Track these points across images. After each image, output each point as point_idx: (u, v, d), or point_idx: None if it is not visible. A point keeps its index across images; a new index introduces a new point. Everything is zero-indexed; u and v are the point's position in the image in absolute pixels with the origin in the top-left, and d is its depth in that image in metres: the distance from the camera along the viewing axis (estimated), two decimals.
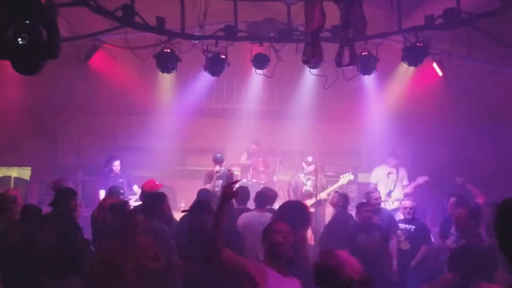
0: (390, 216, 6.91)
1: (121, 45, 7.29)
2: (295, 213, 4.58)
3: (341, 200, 6.63)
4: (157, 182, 6.44)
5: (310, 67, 6.37)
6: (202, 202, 5.02)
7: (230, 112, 10.58)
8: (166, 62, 6.91)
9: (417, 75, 8.63)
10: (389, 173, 8.22)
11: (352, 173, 8.46)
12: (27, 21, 3.63)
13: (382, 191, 7.69)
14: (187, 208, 5.20)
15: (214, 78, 7.70)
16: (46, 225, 4.68)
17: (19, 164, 9.75)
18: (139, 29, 6.33)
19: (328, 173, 8.81)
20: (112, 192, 6.56)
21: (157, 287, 4.09)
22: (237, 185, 8.20)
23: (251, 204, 6.14)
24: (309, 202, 7.95)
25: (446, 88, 9.09)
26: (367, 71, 6.98)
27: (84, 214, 6.18)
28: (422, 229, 6.53)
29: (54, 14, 3.84)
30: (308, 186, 8.18)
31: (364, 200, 6.66)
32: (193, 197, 6.10)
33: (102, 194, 7.35)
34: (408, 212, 6.57)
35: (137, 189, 7.89)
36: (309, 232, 7.86)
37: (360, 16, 5.09)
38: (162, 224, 4.92)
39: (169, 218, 5.39)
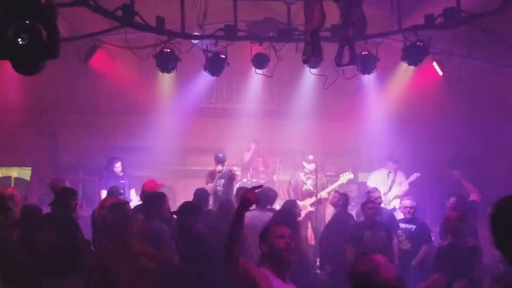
0: (390, 216, 6.92)
1: (121, 45, 7.30)
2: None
3: (341, 200, 6.64)
4: (157, 182, 6.44)
5: (310, 67, 6.38)
6: (190, 203, 4.97)
7: (230, 112, 10.59)
8: (166, 62, 6.91)
9: (417, 74, 8.64)
10: (389, 172, 8.22)
11: (352, 172, 8.45)
12: (27, 21, 3.63)
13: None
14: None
15: (214, 77, 7.70)
16: (46, 225, 4.67)
17: (20, 164, 9.75)
18: (139, 29, 6.33)
19: (328, 173, 8.81)
20: (112, 192, 6.56)
21: None
22: (237, 185, 8.26)
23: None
24: (309, 201, 7.97)
25: (446, 87, 9.10)
26: (367, 71, 6.98)
27: (85, 214, 6.18)
28: (423, 228, 6.53)
29: (54, 14, 3.84)
30: (308, 185, 8.18)
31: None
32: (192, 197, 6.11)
33: (103, 194, 7.35)
34: (408, 211, 6.58)
35: (134, 195, 7.88)
36: (309, 232, 7.90)
37: (360, 16, 5.09)
38: (162, 224, 4.92)
39: (169, 218, 5.38)
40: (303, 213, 7.51)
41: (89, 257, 4.45)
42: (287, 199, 7.59)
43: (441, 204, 7.45)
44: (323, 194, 7.95)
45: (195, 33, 6.84)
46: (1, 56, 3.69)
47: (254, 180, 8.91)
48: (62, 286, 4.33)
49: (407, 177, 8.13)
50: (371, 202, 6.29)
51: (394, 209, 7.66)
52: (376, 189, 7.13)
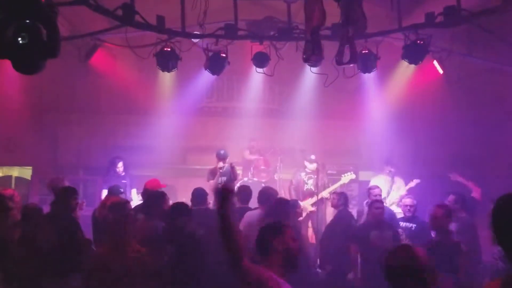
0: (391, 214, 6.91)
1: (121, 44, 7.29)
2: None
3: (342, 200, 6.64)
4: (161, 182, 6.45)
5: (310, 66, 6.36)
6: (181, 203, 4.91)
7: (230, 111, 10.59)
8: (167, 61, 6.90)
9: (418, 73, 8.63)
10: (390, 171, 8.22)
11: (354, 172, 8.45)
12: (27, 21, 3.63)
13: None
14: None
15: (215, 76, 7.69)
16: (47, 225, 4.68)
17: (20, 163, 9.75)
18: (139, 28, 6.33)
19: (329, 171, 8.81)
20: (112, 191, 6.56)
21: None
22: (238, 184, 8.25)
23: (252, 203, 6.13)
24: (310, 201, 7.96)
25: (447, 86, 9.09)
26: (367, 69, 6.98)
27: (85, 214, 6.18)
28: (423, 227, 6.51)
29: (54, 14, 3.84)
30: (309, 185, 8.17)
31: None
32: None
33: (104, 194, 7.35)
34: (409, 210, 6.57)
35: (135, 194, 7.88)
36: (310, 232, 7.90)
37: (360, 14, 5.08)
38: (162, 223, 4.92)
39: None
40: (304, 213, 7.51)
41: (89, 257, 4.45)
42: (289, 198, 7.56)
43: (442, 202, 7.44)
44: (325, 194, 7.94)
45: (195, 32, 6.83)
46: (1, 55, 3.69)
47: (255, 179, 8.91)
48: (62, 285, 4.33)
49: (406, 181, 8.12)
50: (378, 201, 6.29)
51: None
52: (376, 186, 7.13)
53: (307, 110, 9.80)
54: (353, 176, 8.34)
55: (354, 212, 7.48)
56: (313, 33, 5.32)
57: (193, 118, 10.04)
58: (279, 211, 5.22)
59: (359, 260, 6.01)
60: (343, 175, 8.30)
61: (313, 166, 8.12)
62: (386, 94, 9.57)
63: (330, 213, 7.85)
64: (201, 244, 4.39)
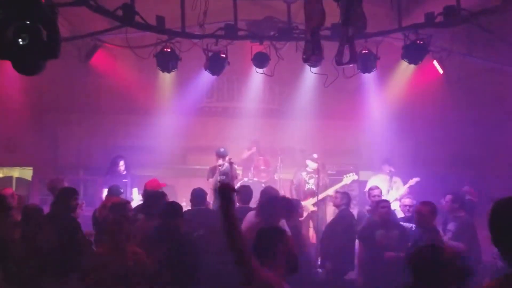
0: (392, 214, 6.91)
1: (121, 44, 7.30)
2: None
3: (344, 199, 6.63)
4: (160, 182, 6.45)
5: (310, 66, 6.37)
6: (173, 204, 4.83)
7: (230, 111, 10.60)
8: (167, 61, 6.91)
9: (418, 73, 8.63)
10: (390, 170, 8.23)
11: (355, 173, 8.43)
12: (27, 21, 3.64)
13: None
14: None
15: (215, 77, 7.70)
16: (47, 225, 4.68)
17: (21, 164, 9.76)
18: (139, 29, 6.34)
19: (328, 172, 8.80)
20: (112, 192, 6.57)
21: None
22: (238, 184, 8.24)
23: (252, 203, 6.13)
24: (311, 201, 7.95)
25: (447, 86, 9.10)
26: (367, 69, 6.98)
27: (85, 214, 6.18)
28: None
29: (55, 14, 3.85)
30: (310, 184, 8.13)
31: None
32: None
33: (105, 193, 7.35)
34: (408, 210, 6.57)
35: (136, 194, 7.88)
36: (311, 231, 7.90)
37: (360, 14, 5.08)
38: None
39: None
40: (305, 213, 7.50)
41: (89, 257, 4.45)
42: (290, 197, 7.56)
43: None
44: (330, 192, 7.88)
45: (195, 32, 6.83)
46: (2, 56, 3.70)
47: (255, 179, 8.91)
48: (62, 285, 4.34)
49: (404, 181, 8.12)
50: (384, 201, 6.31)
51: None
52: (376, 186, 7.13)
53: (307, 110, 9.80)
54: (355, 177, 8.32)
55: (354, 212, 7.47)
56: (313, 33, 5.32)
57: (193, 118, 10.05)
58: (270, 210, 5.21)
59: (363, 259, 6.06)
60: (345, 176, 8.28)
61: (314, 165, 8.08)
62: (386, 94, 9.57)
63: (330, 212, 7.86)
64: (195, 245, 4.35)
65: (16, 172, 9.85)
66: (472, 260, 5.54)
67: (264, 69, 7.37)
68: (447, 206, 6.32)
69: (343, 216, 6.55)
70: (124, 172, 8.06)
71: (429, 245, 2.86)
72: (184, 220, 4.76)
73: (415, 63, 6.91)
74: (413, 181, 7.97)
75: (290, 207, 5.56)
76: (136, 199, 7.72)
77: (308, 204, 7.88)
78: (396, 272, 4.94)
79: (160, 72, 7.24)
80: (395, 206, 7.55)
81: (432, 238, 5.11)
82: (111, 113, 10.05)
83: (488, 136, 8.85)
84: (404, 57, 6.80)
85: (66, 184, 6.26)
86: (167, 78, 8.99)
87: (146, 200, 6.04)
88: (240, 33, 6.99)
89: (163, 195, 5.75)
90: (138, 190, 7.83)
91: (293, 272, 2.99)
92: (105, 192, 7.41)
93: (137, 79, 9.44)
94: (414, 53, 6.69)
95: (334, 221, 6.71)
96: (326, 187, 8.02)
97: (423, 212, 5.34)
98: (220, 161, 7.78)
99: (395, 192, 7.97)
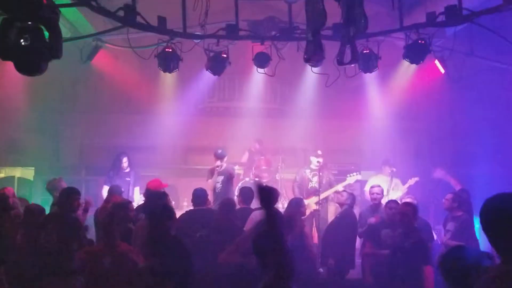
0: None
1: (123, 45, 7.31)
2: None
3: (349, 199, 6.64)
4: (162, 182, 6.45)
5: (312, 66, 6.36)
6: (163, 207, 4.70)
7: (232, 111, 10.61)
8: (168, 62, 6.91)
9: (419, 72, 8.62)
10: (392, 170, 8.23)
11: (358, 173, 8.40)
12: (29, 23, 3.65)
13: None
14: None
15: (216, 77, 7.70)
16: (49, 225, 4.69)
17: (22, 164, 9.78)
18: (140, 29, 6.34)
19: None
20: (112, 191, 6.59)
21: None
22: (239, 184, 8.22)
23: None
24: (314, 199, 7.91)
25: (448, 85, 9.08)
26: (368, 69, 6.97)
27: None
28: (424, 227, 6.52)
29: (56, 15, 3.86)
30: (314, 182, 8.06)
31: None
32: None
33: (105, 190, 7.35)
34: None
35: (137, 193, 7.89)
36: (313, 230, 7.89)
37: (361, 14, 5.08)
38: None
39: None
40: (308, 211, 7.48)
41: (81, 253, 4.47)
42: (292, 196, 7.56)
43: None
44: (339, 187, 7.84)
45: (196, 33, 6.84)
46: (4, 57, 3.72)
47: (256, 179, 8.91)
48: (64, 285, 4.34)
49: (404, 181, 8.13)
50: (393, 201, 6.36)
51: None
52: (377, 185, 7.14)
53: (309, 110, 9.80)
54: (359, 177, 8.28)
55: (356, 212, 7.46)
56: (314, 33, 5.32)
57: (195, 118, 10.07)
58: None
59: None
60: (349, 175, 8.25)
61: (320, 160, 8.02)
62: (387, 94, 9.57)
63: (332, 211, 7.87)
64: (185, 248, 4.28)
65: (18, 172, 9.87)
66: None
67: (265, 69, 7.37)
68: (446, 204, 6.36)
69: (345, 215, 6.56)
70: (128, 170, 8.09)
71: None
72: (181, 221, 4.74)
73: (417, 63, 6.90)
74: (412, 180, 7.99)
75: (290, 222, 5.55)
76: (137, 198, 7.74)
77: (311, 203, 7.86)
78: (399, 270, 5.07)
79: (162, 72, 7.24)
80: None
81: (416, 237, 5.23)
82: (113, 113, 10.07)
83: (490, 134, 8.83)
84: (405, 56, 6.79)
85: (64, 185, 6.26)
86: (168, 79, 9.00)
87: (147, 200, 6.05)
88: (241, 33, 6.99)
89: (164, 195, 5.76)
90: (140, 189, 7.84)
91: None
92: (105, 188, 7.42)
93: (139, 80, 9.45)
94: (416, 53, 6.67)
95: (336, 220, 6.72)
96: (330, 185, 7.99)
97: (407, 212, 5.39)
98: (218, 163, 7.79)
99: (395, 193, 7.98)
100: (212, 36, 6.85)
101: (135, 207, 6.00)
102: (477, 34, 7.01)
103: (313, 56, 5.54)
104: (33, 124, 9.36)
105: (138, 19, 6.13)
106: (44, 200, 7.86)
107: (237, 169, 9.12)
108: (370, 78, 8.78)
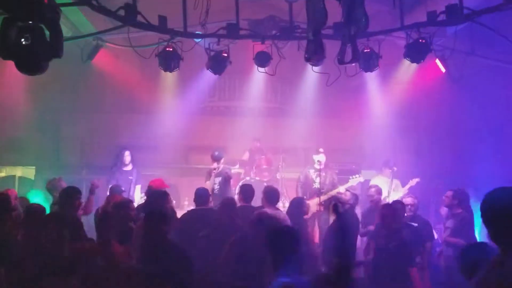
0: None
1: (123, 44, 7.31)
2: None
3: (352, 199, 6.64)
4: (165, 182, 6.46)
5: (312, 65, 6.36)
6: (159, 211, 4.57)
7: (232, 110, 10.61)
8: (169, 61, 6.91)
9: (420, 71, 8.62)
10: (393, 170, 8.24)
11: (356, 171, 8.41)
12: (30, 22, 3.65)
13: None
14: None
15: (216, 76, 7.70)
16: (50, 225, 4.69)
17: (23, 163, 9.79)
18: (141, 28, 6.34)
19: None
20: (113, 190, 6.60)
21: None
22: (240, 183, 8.22)
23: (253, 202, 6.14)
24: (317, 200, 7.89)
25: (449, 84, 9.08)
26: (369, 68, 6.97)
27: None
28: (425, 226, 6.52)
29: (57, 14, 3.86)
30: (317, 183, 8.04)
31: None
32: None
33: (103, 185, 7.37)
34: (410, 209, 6.55)
35: (138, 192, 7.89)
36: (316, 230, 7.89)
37: (362, 13, 5.08)
38: None
39: (171, 216, 5.38)
40: (310, 212, 7.47)
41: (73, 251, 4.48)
42: (295, 196, 7.55)
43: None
44: (342, 189, 7.83)
45: (197, 32, 6.84)
46: (5, 56, 3.72)
47: (257, 178, 8.92)
48: (64, 285, 4.35)
49: (405, 181, 8.13)
50: (398, 202, 6.33)
51: None
52: (375, 185, 7.14)
53: (309, 109, 9.81)
54: (362, 179, 8.25)
55: (358, 212, 7.46)
56: (315, 32, 5.32)
57: (195, 117, 10.07)
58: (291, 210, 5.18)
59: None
60: (351, 177, 8.24)
61: (323, 157, 8.00)
62: (388, 93, 9.57)
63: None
64: (181, 252, 4.25)
65: (18, 171, 9.88)
66: None
67: (266, 68, 7.37)
68: (446, 201, 6.37)
69: (349, 215, 6.56)
70: (130, 167, 8.10)
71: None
72: (183, 221, 4.72)
73: (417, 62, 6.89)
74: (413, 181, 7.99)
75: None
76: (137, 196, 7.74)
77: (314, 204, 7.84)
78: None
79: (162, 71, 7.24)
80: None
81: (398, 239, 5.24)
82: (114, 113, 10.08)
83: (491, 134, 8.83)
84: (406, 55, 6.78)
85: (64, 184, 6.27)
86: (169, 78, 9.01)
87: (148, 199, 6.05)
88: (242, 32, 6.98)
89: (165, 194, 5.76)
90: (141, 188, 7.85)
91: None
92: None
93: (139, 79, 9.46)
94: (416, 52, 6.66)
95: (337, 219, 6.71)
96: (333, 186, 7.97)
97: (387, 214, 5.40)
98: (215, 165, 7.80)
99: (396, 194, 7.99)
100: (213, 35, 6.85)
101: (136, 206, 6.00)
102: (478, 33, 7.00)
103: (314, 55, 5.54)
104: (34, 123, 9.37)
105: (139, 18, 6.13)
106: (45, 200, 7.88)
107: (238, 168, 9.13)
108: (371, 77, 8.79)
